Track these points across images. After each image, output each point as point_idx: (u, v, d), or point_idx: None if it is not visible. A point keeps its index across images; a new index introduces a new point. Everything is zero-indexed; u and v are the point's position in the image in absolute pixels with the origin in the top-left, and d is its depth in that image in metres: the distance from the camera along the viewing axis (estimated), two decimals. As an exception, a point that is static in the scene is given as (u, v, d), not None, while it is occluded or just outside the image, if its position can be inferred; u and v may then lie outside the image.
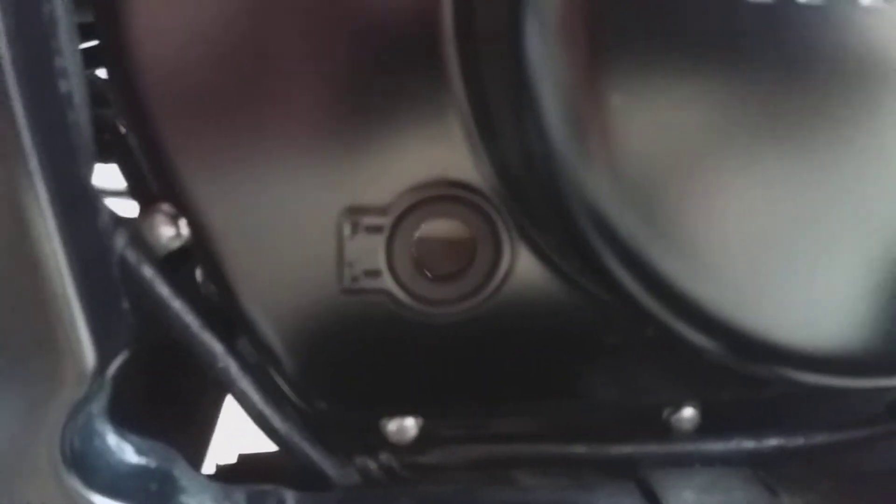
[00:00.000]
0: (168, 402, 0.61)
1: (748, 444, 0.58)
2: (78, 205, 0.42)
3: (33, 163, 0.37)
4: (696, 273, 0.41)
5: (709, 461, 0.57)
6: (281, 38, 0.45)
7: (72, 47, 0.41)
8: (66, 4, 0.41)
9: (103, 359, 0.42)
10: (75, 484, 0.41)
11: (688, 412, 0.57)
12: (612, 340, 0.52)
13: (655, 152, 0.39)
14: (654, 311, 0.42)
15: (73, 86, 0.40)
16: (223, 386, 0.51)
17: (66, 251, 0.40)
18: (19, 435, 0.41)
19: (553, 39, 0.39)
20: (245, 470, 0.60)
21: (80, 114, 0.41)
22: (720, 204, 0.41)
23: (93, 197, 0.44)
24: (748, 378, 0.56)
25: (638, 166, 0.40)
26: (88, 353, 0.40)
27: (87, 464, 0.42)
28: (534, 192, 0.45)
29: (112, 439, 0.45)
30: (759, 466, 0.57)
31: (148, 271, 0.48)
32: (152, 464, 0.47)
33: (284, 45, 0.45)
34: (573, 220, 0.42)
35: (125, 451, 0.46)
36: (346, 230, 0.47)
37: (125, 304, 0.45)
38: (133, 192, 0.50)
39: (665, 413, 0.58)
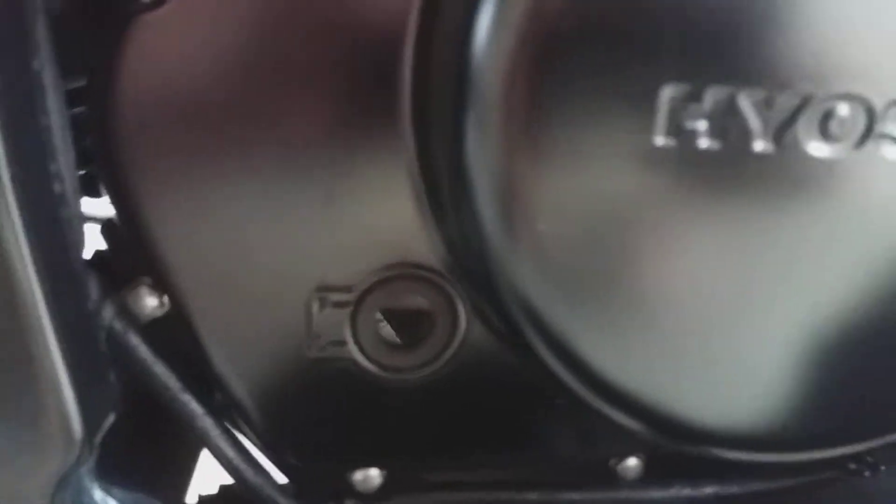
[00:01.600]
0: (148, 448, 0.65)
1: (686, 490, 0.63)
2: (67, 287, 0.46)
3: (26, 252, 0.42)
4: (618, 361, 0.46)
5: (651, 507, 0.62)
6: (259, 133, 0.49)
7: (64, 146, 0.46)
8: (60, 108, 0.45)
9: (91, 427, 0.46)
10: (65, 546, 0.46)
11: (632, 462, 0.62)
12: (561, 402, 0.57)
13: (579, 246, 0.44)
14: (581, 394, 0.47)
15: (66, 185, 0.45)
16: (201, 442, 0.55)
17: (55, 329, 0.43)
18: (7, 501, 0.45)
19: (489, 132, 0.44)
20: (226, 500, 0.64)
21: (73, 207, 0.46)
22: (640, 295, 0.45)
23: (82, 277, 0.48)
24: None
25: (562, 259, 0.44)
26: (76, 424, 0.44)
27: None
28: (476, 273, 0.50)
29: (98, 495, 0.50)
30: (699, 511, 0.62)
31: (133, 339, 0.52)
32: (137, 516, 0.51)
33: (262, 140, 0.49)
34: (504, 304, 0.47)
35: (114, 506, 0.50)
36: (315, 306, 0.52)
37: (111, 374, 0.50)
38: (117, 265, 0.54)
39: (611, 462, 0.63)
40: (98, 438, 0.48)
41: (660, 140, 0.40)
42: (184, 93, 0.47)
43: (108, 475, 0.53)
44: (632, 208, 0.43)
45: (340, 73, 0.48)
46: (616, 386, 0.46)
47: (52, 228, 0.44)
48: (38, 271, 0.42)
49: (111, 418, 0.49)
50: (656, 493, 0.62)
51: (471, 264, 0.50)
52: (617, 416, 0.48)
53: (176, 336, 0.55)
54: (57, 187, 0.44)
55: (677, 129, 0.40)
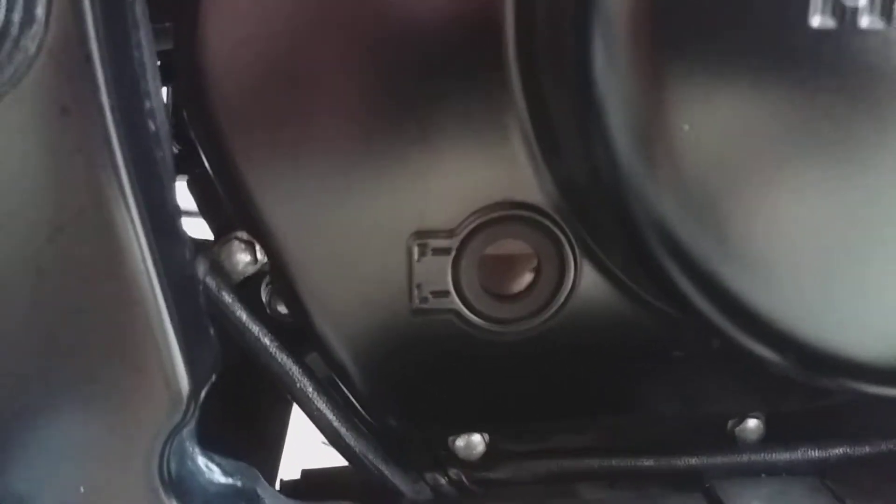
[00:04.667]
0: (242, 423, 0.63)
1: (814, 453, 0.58)
2: (168, 235, 0.44)
3: (130, 196, 0.40)
4: (763, 288, 0.42)
5: (774, 471, 0.58)
6: (351, 77, 0.46)
7: (156, 88, 0.44)
8: (151, 52, 0.43)
9: (196, 385, 0.44)
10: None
11: (752, 423, 0.58)
12: (677, 353, 0.53)
13: (723, 169, 0.40)
14: (720, 325, 0.43)
15: (158, 124, 0.43)
16: (299, 404, 0.53)
17: (160, 282, 0.42)
18: (117, 460, 0.43)
19: (620, 61, 0.40)
20: (309, 485, 0.61)
21: (166, 149, 0.44)
22: (787, 219, 0.41)
23: (179, 226, 0.46)
24: (812, 388, 0.57)
25: (705, 183, 0.40)
26: (183, 380, 0.42)
27: (182, 486, 0.45)
28: (599, 209, 0.46)
29: (201, 461, 0.47)
30: (826, 475, 0.57)
31: (227, 297, 0.50)
32: (238, 483, 0.49)
33: (355, 83, 0.47)
34: (640, 237, 0.43)
35: (214, 472, 0.48)
36: (415, 253, 0.49)
37: (212, 331, 0.47)
38: (208, 219, 0.52)
39: (730, 424, 0.58)
40: (202, 395, 0.45)
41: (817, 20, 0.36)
42: (274, 37, 0.45)
43: (207, 444, 0.50)
44: (780, 126, 0.39)
45: (439, 13, 0.46)
46: (758, 314, 0.42)
47: (150, 169, 0.42)
48: (141, 215, 0.40)
49: (213, 377, 0.47)
50: (780, 456, 0.58)
51: (588, 202, 0.46)
52: (755, 347, 0.44)
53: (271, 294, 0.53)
54: (151, 125, 0.42)
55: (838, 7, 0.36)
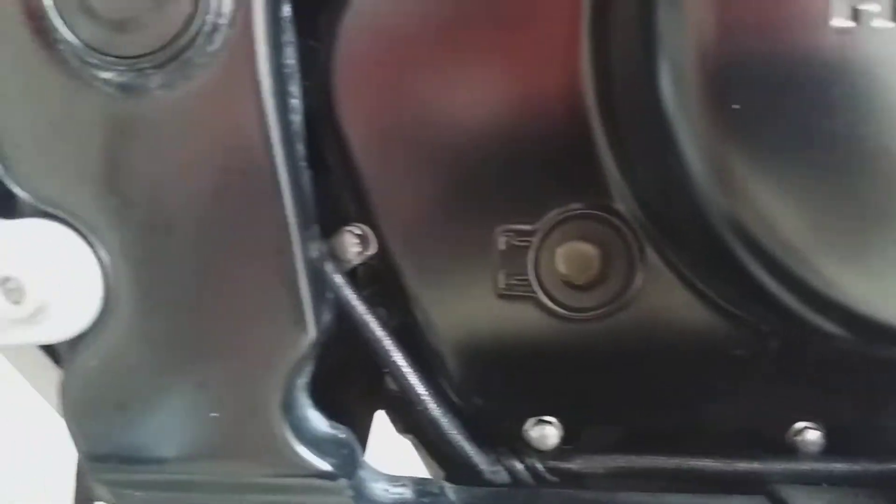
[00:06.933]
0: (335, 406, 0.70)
1: (875, 466, 0.60)
2: (305, 215, 0.53)
3: (284, 179, 0.50)
4: (842, 275, 0.47)
5: (835, 481, 0.60)
6: (454, 100, 0.55)
7: (298, 91, 0.54)
8: (295, 59, 0.53)
9: (318, 335, 0.52)
10: (289, 434, 0.51)
11: (813, 434, 0.61)
12: (738, 352, 0.58)
13: (798, 181, 0.47)
14: (799, 311, 0.49)
15: (298, 121, 0.53)
16: (394, 378, 0.60)
17: (301, 255, 0.52)
18: (247, 390, 0.51)
19: (688, 86, 0.48)
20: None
21: (302, 145, 0.54)
22: (865, 217, 0.47)
23: (312, 210, 0.56)
24: (872, 401, 0.60)
25: (780, 168, 0.47)
26: (311, 328, 0.51)
27: (296, 423, 0.52)
28: (670, 214, 0.53)
29: (311, 411, 0.55)
30: (888, 489, 0.60)
31: (339, 279, 0.58)
32: (340, 435, 0.56)
33: (457, 106, 0.56)
34: (719, 239, 0.50)
35: (321, 422, 0.55)
36: (502, 245, 0.57)
37: (330, 296, 0.56)
38: (324, 215, 0.61)
39: (790, 434, 0.62)
40: (317, 349, 0.53)
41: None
42: (398, 52, 0.55)
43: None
44: (853, 137, 0.45)
45: (526, 34, 0.55)
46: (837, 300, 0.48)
47: (294, 160, 0.51)
48: (291, 192, 0.50)
49: (326, 333, 0.55)
50: (841, 467, 0.61)
51: (661, 207, 0.54)
52: (826, 324, 0.49)
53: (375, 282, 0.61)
54: (294, 120, 0.52)
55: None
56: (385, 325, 0.59)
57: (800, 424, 0.61)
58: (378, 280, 0.61)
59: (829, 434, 0.61)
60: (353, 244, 0.59)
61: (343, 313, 0.58)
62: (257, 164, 0.49)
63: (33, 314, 0.48)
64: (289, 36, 0.51)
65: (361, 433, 0.75)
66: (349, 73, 0.55)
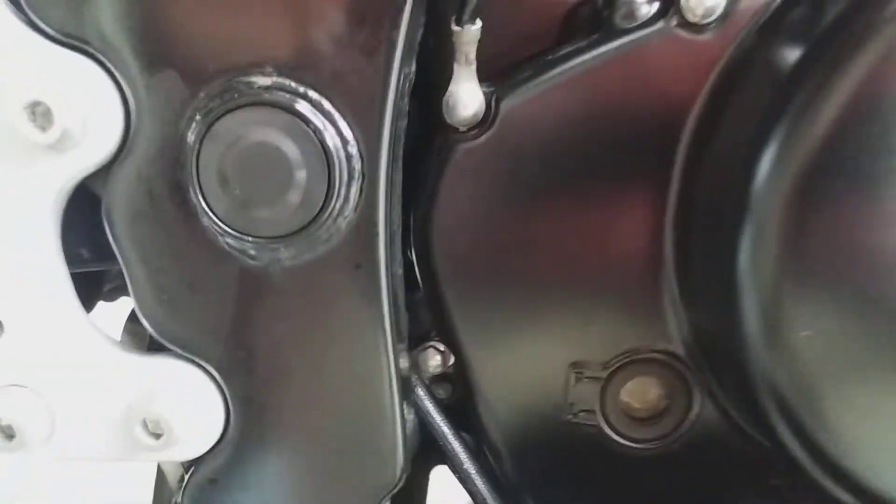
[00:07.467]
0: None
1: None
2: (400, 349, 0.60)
3: (386, 310, 0.56)
4: (855, 453, 0.54)
5: None
6: (535, 248, 0.61)
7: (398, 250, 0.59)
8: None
9: (406, 464, 0.59)
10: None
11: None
12: (775, 482, 0.65)
13: (829, 366, 0.53)
14: (813, 473, 0.55)
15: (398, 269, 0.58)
16: (461, 479, 0.67)
17: (397, 388, 0.58)
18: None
19: (764, 253, 0.53)
20: None
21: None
22: (872, 410, 0.53)
23: (405, 344, 0.62)
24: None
25: (815, 365, 0.53)
26: (400, 462, 0.58)
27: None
28: (724, 366, 0.59)
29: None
30: None
31: (421, 390, 0.65)
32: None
33: (538, 254, 0.61)
34: (752, 394, 0.56)
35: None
36: (572, 379, 0.63)
37: (414, 421, 0.62)
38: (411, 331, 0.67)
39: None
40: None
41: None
42: (489, 212, 0.60)
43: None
44: (875, 334, 0.52)
45: (624, 204, 0.60)
46: (849, 470, 0.54)
47: (395, 289, 0.57)
48: (393, 340, 0.57)
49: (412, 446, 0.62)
50: None
51: (719, 357, 0.59)
52: (845, 499, 0.56)
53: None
54: (399, 272, 0.58)
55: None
56: (457, 435, 0.66)
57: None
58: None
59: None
60: (434, 359, 0.66)
61: (424, 421, 0.65)
62: (369, 336, 0.56)
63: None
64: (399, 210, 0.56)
65: (418, 494, 0.83)
66: (446, 227, 0.60)
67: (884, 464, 0.54)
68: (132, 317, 0.66)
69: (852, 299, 0.51)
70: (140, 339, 0.62)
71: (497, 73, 0.59)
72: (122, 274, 0.55)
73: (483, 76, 0.58)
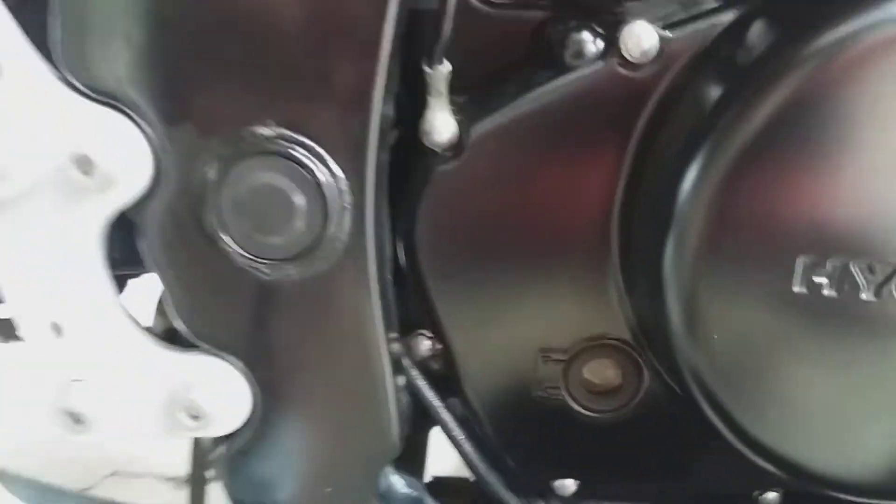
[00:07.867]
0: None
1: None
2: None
3: (377, 309, 0.67)
4: (760, 422, 0.65)
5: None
6: (506, 249, 0.71)
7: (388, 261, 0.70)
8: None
9: (400, 439, 0.71)
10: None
11: (771, 495, 0.80)
12: (716, 443, 0.76)
13: (735, 347, 0.65)
14: (731, 441, 0.67)
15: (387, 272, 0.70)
16: (452, 443, 0.79)
17: (388, 368, 0.69)
18: (353, 477, 0.71)
19: (684, 258, 0.64)
20: (437, 490, 0.87)
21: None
22: (777, 383, 0.65)
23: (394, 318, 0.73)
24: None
25: (724, 352, 0.65)
26: (395, 434, 0.70)
27: (384, 493, 0.72)
28: (660, 351, 0.71)
29: (393, 477, 0.75)
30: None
31: (414, 371, 0.77)
32: (413, 493, 0.76)
33: (508, 253, 0.72)
34: (680, 373, 0.67)
35: (400, 485, 0.75)
36: (540, 361, 0.74)
37: (407, 398, 0.74)
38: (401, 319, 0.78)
39: (754, 494, 0.80)
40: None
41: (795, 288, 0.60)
42: (465, 224, 0.71)
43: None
44: (772, 330, 0.64)
45: (577, 214, 0.70)
46: (757, 438, 0.66)
47: (386, 289, 0.69)
48: (385, 334, 0.68)
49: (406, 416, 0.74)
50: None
51: (656, 343, 0.71)
52: (756, 459, 0.67)
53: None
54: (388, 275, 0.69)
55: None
56: (448, 408, 0.78)
57: (762, 488, 0.80)
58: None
59: (785, 496, 0.80)
60: (424, 344, 0.77)
61: (418, 397, 0.77)
62: (364, 331, 0.68)
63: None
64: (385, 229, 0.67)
65: (420, 452, 0.96)
66: (428, 237, 0.71)
67: (786, 433, 0.66)
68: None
69: (754, 299, 0.62)
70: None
71: (468, 88, 0.69)
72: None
73: (455, 87, 0.67)
